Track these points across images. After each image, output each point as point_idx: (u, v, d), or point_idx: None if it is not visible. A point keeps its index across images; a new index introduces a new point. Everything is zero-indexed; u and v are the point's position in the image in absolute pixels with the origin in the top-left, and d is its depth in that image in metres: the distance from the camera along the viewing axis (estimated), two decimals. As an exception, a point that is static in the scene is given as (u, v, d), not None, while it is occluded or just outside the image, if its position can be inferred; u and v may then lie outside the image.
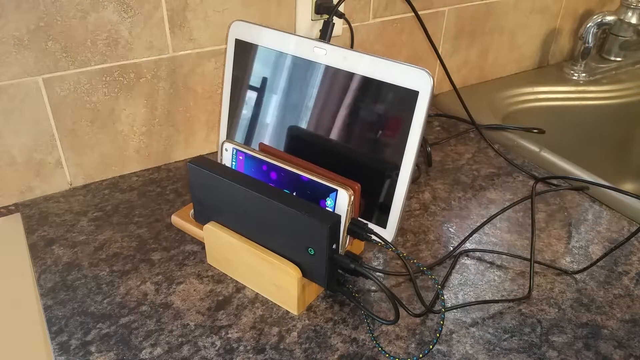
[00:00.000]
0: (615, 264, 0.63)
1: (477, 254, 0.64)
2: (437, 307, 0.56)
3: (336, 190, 0.53)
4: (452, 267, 0.62)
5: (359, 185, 0.55)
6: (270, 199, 0.51)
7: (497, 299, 0.58)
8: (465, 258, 0.64)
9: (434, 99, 1.00)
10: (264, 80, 0.64)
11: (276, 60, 0.62)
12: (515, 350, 0.52)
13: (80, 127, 0.71)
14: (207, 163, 0.57)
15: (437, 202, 0.73)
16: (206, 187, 0.57)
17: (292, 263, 0.53)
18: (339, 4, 0.76)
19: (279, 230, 0.53)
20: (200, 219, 0.60)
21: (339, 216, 0.50)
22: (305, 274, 0.53)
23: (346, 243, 0.55)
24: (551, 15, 1.11)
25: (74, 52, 0.66)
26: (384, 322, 0.53)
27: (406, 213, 0.71)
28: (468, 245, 0.65)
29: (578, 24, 1.17)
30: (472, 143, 0.88)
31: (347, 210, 0.53)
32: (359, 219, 0.56)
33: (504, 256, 0.64)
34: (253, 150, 0.59)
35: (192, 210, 0.67)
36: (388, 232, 0.59)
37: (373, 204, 0.59)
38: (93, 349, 0.51)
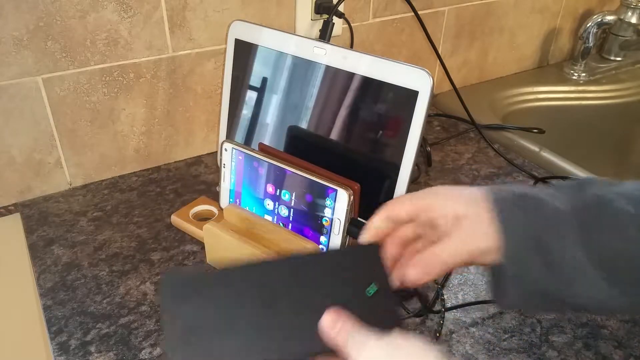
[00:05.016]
0: (615, 264, 0.63)
1: (477, 254, 0.64)
2: (437, 307, 0.56)
3: (336, 190, 0.53)
4: (452, 267, 0.61)
5: (358, 185, 0.55)
6: (302, 257, 0.40)
7: (497, 299, 0.57)
8: (465, 258, 0.63)
9: (434, 99, 1.00)
10: (264, 80, 0.64)
11: (276, 60, 0.62)
12: (515, 350, 0.52)
13: (80, 127, 0.71)
14: (191, 274, 0.38)
15: (437, 202, 0.73)
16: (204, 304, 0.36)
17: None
18: (338, 3, 0.76)
19: (321, 292, 0.38)
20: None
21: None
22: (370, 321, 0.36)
23: (346, 243, 0.55)
24: (551, 15, 1.11)
25: (73, 52, 0.66)
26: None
27: (406, 213, 0.71)
28: (468, 245, 0.65)
29: (578, 23, 1.17)
30: (472, 143, 0.88)
31: (347, 210, 0.53)
32: (359, 219, 0.56)
33: (503, 256, 0.64)
34: (253, 150, 0.59)
35: (192, 210, 0.67)
36: (388, 232, 0.59)
37: (373, 204, 0.59)
38: (93, 349, 0.51)
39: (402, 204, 0.42)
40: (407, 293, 0.49)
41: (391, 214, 0.43)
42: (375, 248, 0.41)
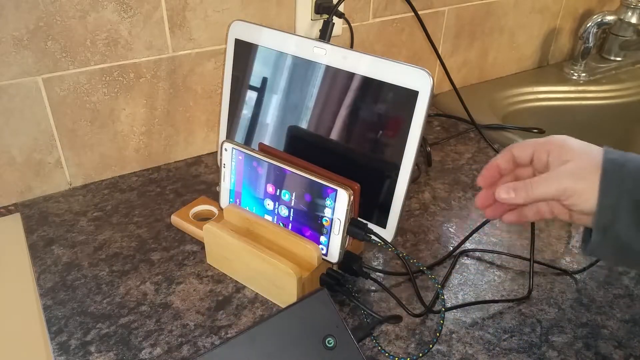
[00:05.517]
0: (615, 264, 0.63)
1: (477, 253, 0.64)
2: (437, 307, 0.56)
3: (336, 190, 0.53)
4: (452, 267, 0.61)
5: (358, 185, 0.55)
6: (258, 329, 0.41)
7: (497, 299, 0.58)
8: (465, 258, 0.63)
9: (434, 99, 1.00)
10: (264, 80, 0.64)
11: (276, 60, 0.62)
12: (515, 350, 0.52)
13: (80, 127, 0.71)
14: None
15: (437, 202, 0.73)
16: None
17: (291, 263, 0.53)
18: (338, 3, 0.76)
19: None
20: None
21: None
22: None
23: (346, 243, 0.55)
24: (551, 15, 1.11)
25: (73, 52, 0.66)
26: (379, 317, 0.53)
27: (406, 213, 0.71)
28: (468, 245, 0.65)
29: (578, 23, 1.17)
30: (472, 143, 0.88)
31: (347, 210, 0.53)
32: (359, 219, 0.56)
33: (503, 256, 0.64)
34: (252, 150, 0.59)
35: (192, 210, 0.67)
36: (388, 232, 0.59)
37: (373, 204, 0.59)
38: (93, 349, 0.51)
39: (526, 149, 0.47)
40: (364, 334, 0.50)
41: (515, 155, 0.48)
42: (324, 293, 0.42)
